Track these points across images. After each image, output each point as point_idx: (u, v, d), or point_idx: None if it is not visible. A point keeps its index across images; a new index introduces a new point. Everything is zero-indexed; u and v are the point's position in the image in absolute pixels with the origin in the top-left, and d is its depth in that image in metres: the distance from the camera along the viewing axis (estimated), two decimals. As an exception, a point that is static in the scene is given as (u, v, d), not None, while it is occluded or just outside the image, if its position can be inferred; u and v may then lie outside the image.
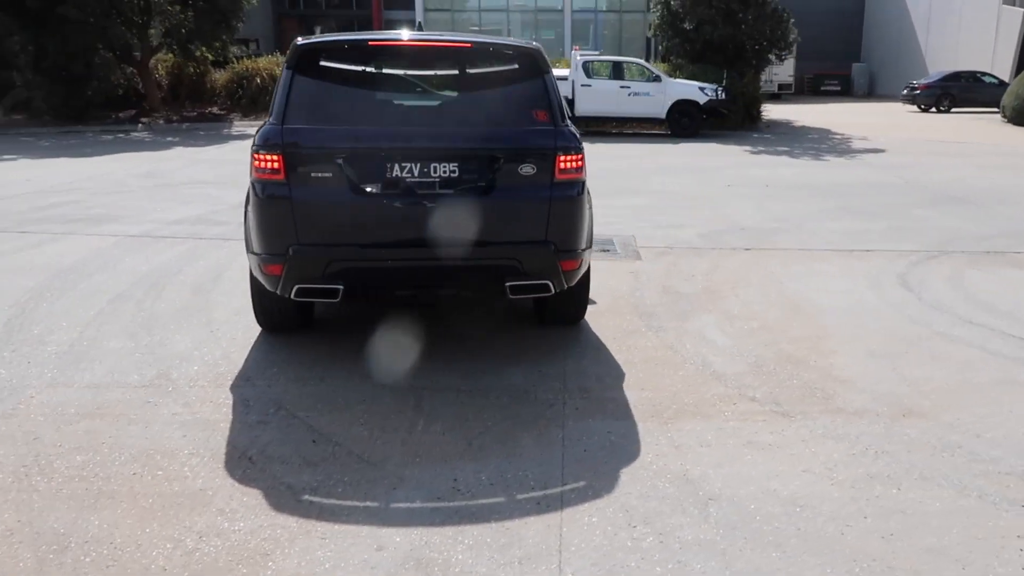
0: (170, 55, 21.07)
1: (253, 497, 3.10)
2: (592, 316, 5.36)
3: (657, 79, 18.22)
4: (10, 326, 5.06)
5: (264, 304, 4.69)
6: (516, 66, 4.47)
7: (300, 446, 3.51)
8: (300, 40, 4.28)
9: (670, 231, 8.20)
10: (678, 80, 18.88)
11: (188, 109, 21.29)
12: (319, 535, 2.85)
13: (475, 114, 4.32)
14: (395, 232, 4.14)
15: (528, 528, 2.90)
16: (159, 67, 21.68)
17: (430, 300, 5.32)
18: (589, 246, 4.71)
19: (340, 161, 4.04)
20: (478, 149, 4.16)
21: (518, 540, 2.83)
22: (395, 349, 4.67)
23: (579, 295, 4.96)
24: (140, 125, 19.90)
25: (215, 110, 21.38)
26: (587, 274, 4.90)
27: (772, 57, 21.32)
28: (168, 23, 19.06)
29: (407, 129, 4.14)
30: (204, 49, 20.20)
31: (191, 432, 3.63)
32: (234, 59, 21.80)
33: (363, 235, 4.13)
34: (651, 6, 22.15)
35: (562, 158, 4.25)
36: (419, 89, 4.48)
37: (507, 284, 4.25)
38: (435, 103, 4.36)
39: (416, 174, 4.07)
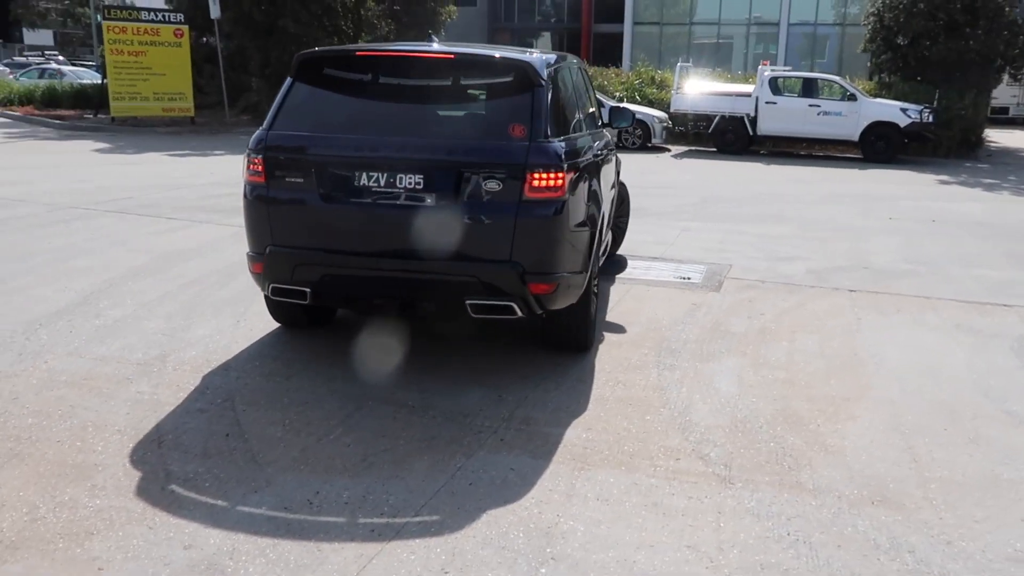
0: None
1: (129, 478, 3.27)
2: (608, 346, 5.07)
3: (852, 98, 16.79)
4: (87, 299, 5.70)
5: (271, 300, 4.92)
6: (503, 79, 4.34)
7: (212, 437, 3.65)
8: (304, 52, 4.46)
9: (779, 264, 7.54)
10: (878, 100, 17.27)
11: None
12: (148, 524, 2.95)
13: (448, 126, 4.25)
14: (358, 240, 4.18)
15: (339, 554, 2.81)
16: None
17: (406, 315, 5.25)
18: (583, 270, 4.46)
19: (312, 167, 4.14)
20: (443, 161, 4.08)
21: (319, 564, 2.75)
22: (381, 357, 4.70)
23: (576, 322, 4.72)
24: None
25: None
26: (586, 300, 4.64)
27: (1007, 75, 18.85)
28: (374, 34, 20.48)
29: (375, 139, 4.16)
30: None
31: (136, 411, 3.89)
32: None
33: (329, 240, 4.21)
34: (863, 19, 20.45)
35: (534, 175, 4.06)
36: (402, 100, 4.48)
37: (467, 302, 4.14)
38: (414, 114, 4.34)
39: (382, 184, 4.08)
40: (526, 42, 38.59)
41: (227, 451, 3.52)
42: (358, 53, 4.43)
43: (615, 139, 7.63)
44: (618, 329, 5.48)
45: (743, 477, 3.48)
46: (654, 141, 19.41)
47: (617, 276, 6.89)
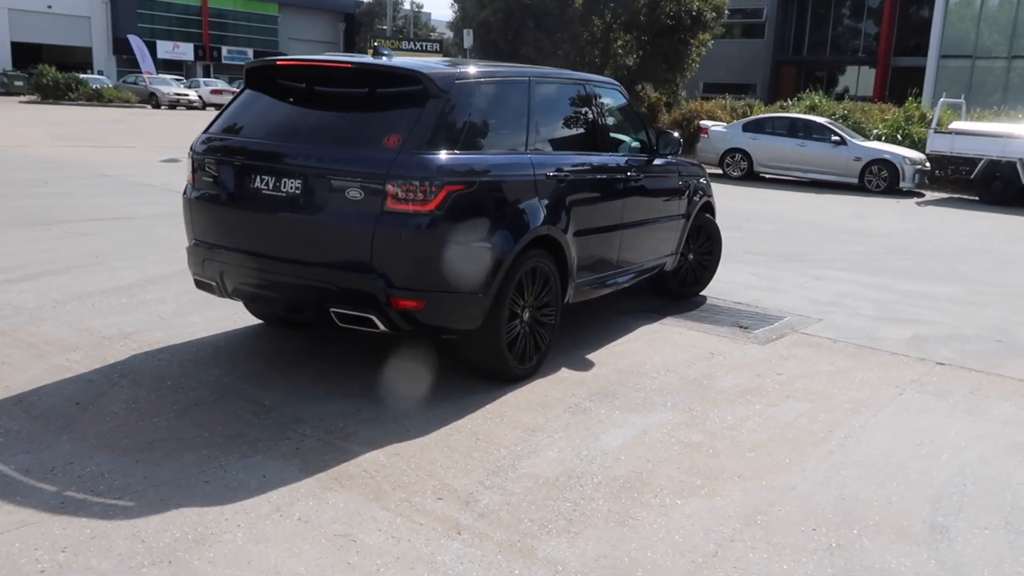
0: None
1: (-44, 424, 3.70)
2: (550, 380, 4.69)
3: None
4: (143, 283, 6.48)
5: None
6: (400, 89, 4.23)
7: (64, 404, 3.98)
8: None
9: (883, 325, 6.39)
10: None
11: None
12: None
13: (336, 133, 4.22)
14: (250, 240, 4.31)
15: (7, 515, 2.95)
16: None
17: (295, 319, 5.21)
18: (478, 293, 4.18)
19: (221, 169, 4.38)
20: (315, 168, 4.07)
21: (-20, 522, 2.91)
22: (302, 360, 4.80)
23: (480, 348, 4.41)
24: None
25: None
26: (494, 327, 4.33)
27: None
28: (616, 64, 20.65)
29: (268, 143, 4.27)
30: (648, 88, 21.33)
31: (40, 373, 4.36)
32: (683, 100, 22.51)
33: (228, 239, 4.39)
34: None
35: (394, 187, 3.91)
36: (308, 107, 4.52)
37: (331, 310, 4.08)
38: (311, 121, 4.37)
39: (270, 187, 4.18)
40: (815, 77, 36.26)
41: (57, 416, 3.83)
42: (278, 63, 4.59)
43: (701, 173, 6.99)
44: (586, 366, 5.02)
45: (482, 531, 3.04)
46: (903, 185, 17.27)
47: (668, 317, 6.30)
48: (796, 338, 5.92)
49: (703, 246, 7.03)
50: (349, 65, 4.38)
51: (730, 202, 12.98)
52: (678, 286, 6.85)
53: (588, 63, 21.00)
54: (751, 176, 18.88)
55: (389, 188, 3.91)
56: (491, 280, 4.25)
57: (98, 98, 35.65)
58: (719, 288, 7.21)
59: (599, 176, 5.32)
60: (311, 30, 63.56)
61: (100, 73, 42.00)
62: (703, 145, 19.40)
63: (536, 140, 4.75)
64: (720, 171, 18.93)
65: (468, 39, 20.06)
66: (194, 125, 24.84)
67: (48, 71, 36.45)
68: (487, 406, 4.26)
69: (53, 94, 35.70)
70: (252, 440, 3.70)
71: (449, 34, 22.66)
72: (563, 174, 4.84)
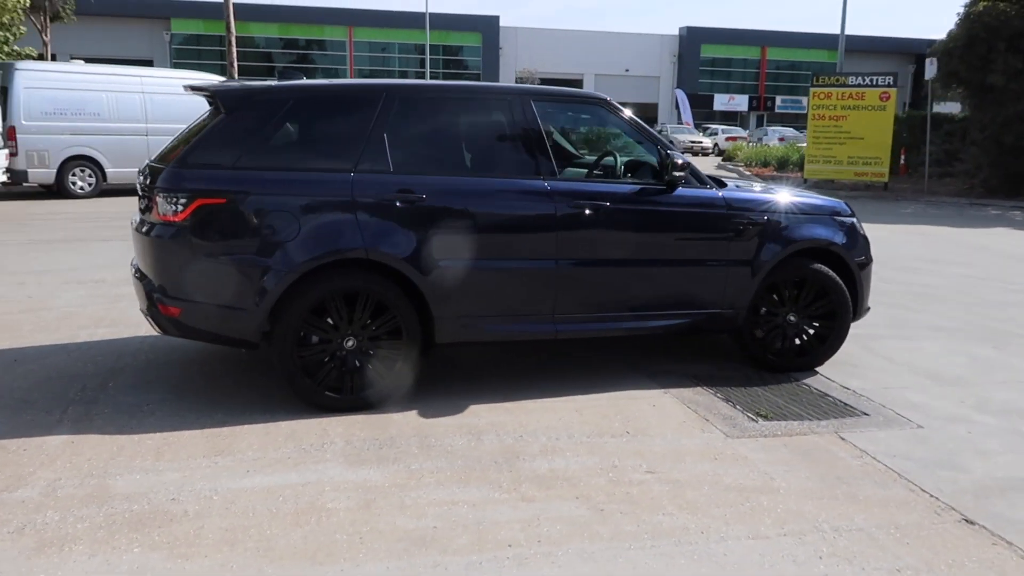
0: None
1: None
2: (360, 418, 4.35)
3: None
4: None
5: None
6: (212, 107, 4.41)
7: None
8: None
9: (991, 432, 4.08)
10: None
11: None
12: None
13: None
14: None
15: None
16: None
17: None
18: (240, 308, 4.18)
19: None
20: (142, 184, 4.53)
21: None
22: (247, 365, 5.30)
23: (277, 362, 4.29)
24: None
25: None
26: (282, 342, 4.20)
27: None
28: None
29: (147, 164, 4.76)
30: None
31: None
32: None
33: None
34: None
35: (155, 198, 4.20)
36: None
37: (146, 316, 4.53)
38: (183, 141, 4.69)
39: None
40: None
41: (-3, 365, 5.09)
42: (185, 85, 5.04)
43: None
44: (443, 411, 4.44)
45: None
46: None
47: (700, 386, 5.07)
48: (820, 445, 4.17)
49: (815, 307, 5.30)
50: (186, 88, 4.76)
51: None
52: (772, 355, 5.28)
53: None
54: None
55: (155, 199, 4.23)
56: (259, 296, 4.18)
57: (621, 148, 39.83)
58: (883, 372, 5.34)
59: (501, 203, 4.61)
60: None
61: (661, 126, 46.33)
62: None
63: (377, 160, 4.40)
64: None
65: (930, 70, 17.18)
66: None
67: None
68: (215, 428, 4.18)
69: (596, 146, 41.12)
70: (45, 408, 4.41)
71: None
72: (415, 196, 4.39)
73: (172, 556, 2.91)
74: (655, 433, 4.22)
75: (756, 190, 5.52)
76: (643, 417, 4.44)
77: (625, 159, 5.36)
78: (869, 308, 5.63)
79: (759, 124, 57.42)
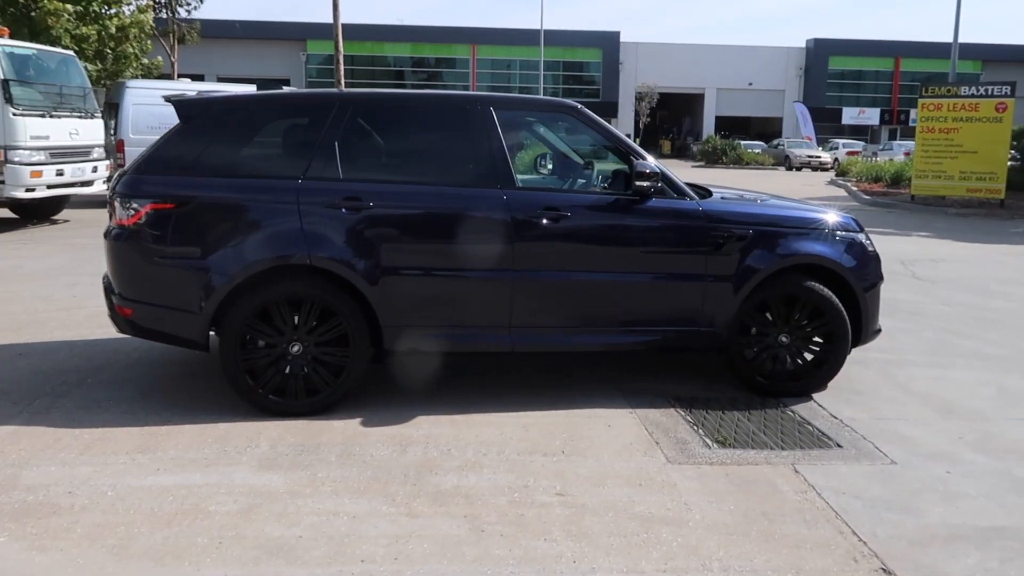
0: None
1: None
2: (301, 424, 4.35)
3: None
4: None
5: None
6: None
7: None
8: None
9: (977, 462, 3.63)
10: None
11: None
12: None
13: None
14: None
15: None
16: None
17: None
18: (186, 311, 4.28)
19: None
20: None
21: None
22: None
23: (222, 364, 4.37)
24: None
25: None
26: (226, 344, 4.27)
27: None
28: None
29: None
30: None
31: None
32: None
33: None
34: None
35: (114, 202, 4.37)
36: None
37: None
38: None
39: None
40: None
41: None
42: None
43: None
44: (386, 421, 4.38)
45: None
46: None
47: (674, 408, 4.82)
48: (766, 476, 3.85)
49: (810, 328, 4.91)
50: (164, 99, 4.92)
51: None
52: (762, 378, 4.90)
53: None
54: None
55: (114, 204, 4.40)
56: (204, 299, 4.26)
57: (736, 161, 38.55)
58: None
59: (452, 211, 4.50)
60: None
61: (779, 141, 44.50)
62: None
63: (327, 167, 4.40)
64: None
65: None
66: (768, 182, 25.03)
67: (713, 140, 40.99)
68: (157, 426, 4.25)
69: (711, 158, 40.06)
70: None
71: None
72: (361, 204, 4.37)
73: (30, 548, 2.99)
74: (592, 454, 4.00)
75: (747, 201, 5.17)
76: (590, 437, 4.22)
77: (612, 169, 5.14)
78: (879, 330, 5.16)
79: (891, 138, 54.37)
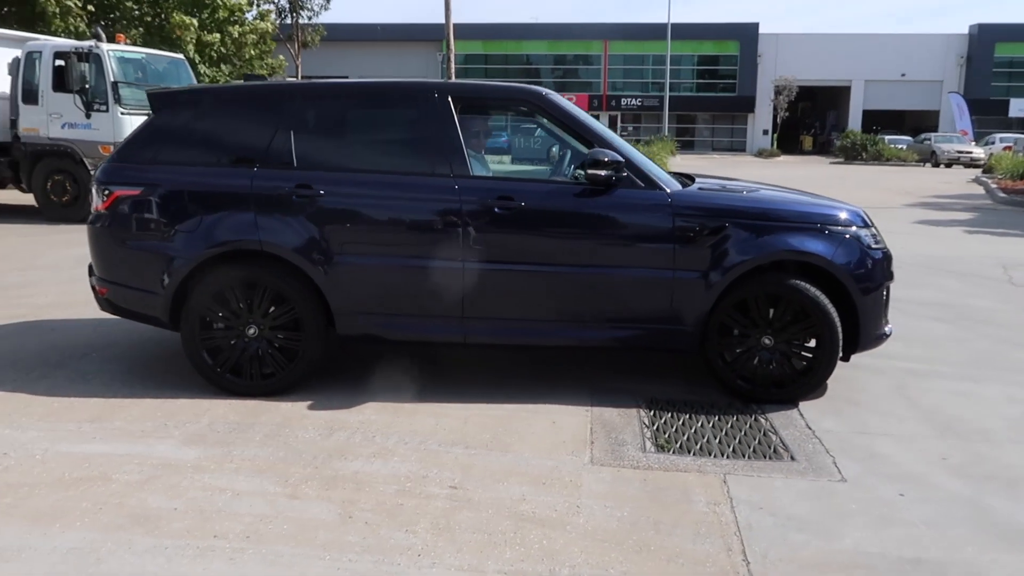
0: None
1: None
2: (251, 404, 4.48)
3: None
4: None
5: None
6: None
7: None
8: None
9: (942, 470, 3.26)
10: None
11: None
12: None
13: None
14: None
15: None
16: None
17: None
18: (152, 292, 4.50)
19: None
20: None
21: None
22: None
23: (183, 343, 4.55)
24: None
25: None
26: (186, 324, 4.47)
27: None
28: None
29: None
30: None
31: None
32: None
33: None
34: None
35: (93, 189, 4.65)
36: None
37: None
38: None
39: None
40: None
41: None
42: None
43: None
44: (326, 405, 4.44)
45: None
46: None
47: (638, 408, 4.64)
48: (686, 485, 3.62)
49: (798, 331, 4.55)
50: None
51: None
52: (743, 382, 4.57)
53: None
54: None
55: (92, 190, 4.69)
56: (164, 280, 4.46)
57: (876, 157, 36.10)
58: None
59: (402, 199, 4.47)
60: None
61: (926, 136, 41.30)
62: None
63: (282, 156, 4.48)
64: None
65: None
66: (904, 181, 23.21)
67: (853, 134, 38.64)
68: (118, 399, 4.44)
69: (851, 155, 37.79)
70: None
71: None
72: (312, 191, 4.43)
73: (-68, 500, 3.23)
74: (514, 450, 3.88)
75: (728, 192, 4.84)
76: (524, 432, 4.09)
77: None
78: (887, 335, 4.72)
79: (1069, 132, 49.31)
